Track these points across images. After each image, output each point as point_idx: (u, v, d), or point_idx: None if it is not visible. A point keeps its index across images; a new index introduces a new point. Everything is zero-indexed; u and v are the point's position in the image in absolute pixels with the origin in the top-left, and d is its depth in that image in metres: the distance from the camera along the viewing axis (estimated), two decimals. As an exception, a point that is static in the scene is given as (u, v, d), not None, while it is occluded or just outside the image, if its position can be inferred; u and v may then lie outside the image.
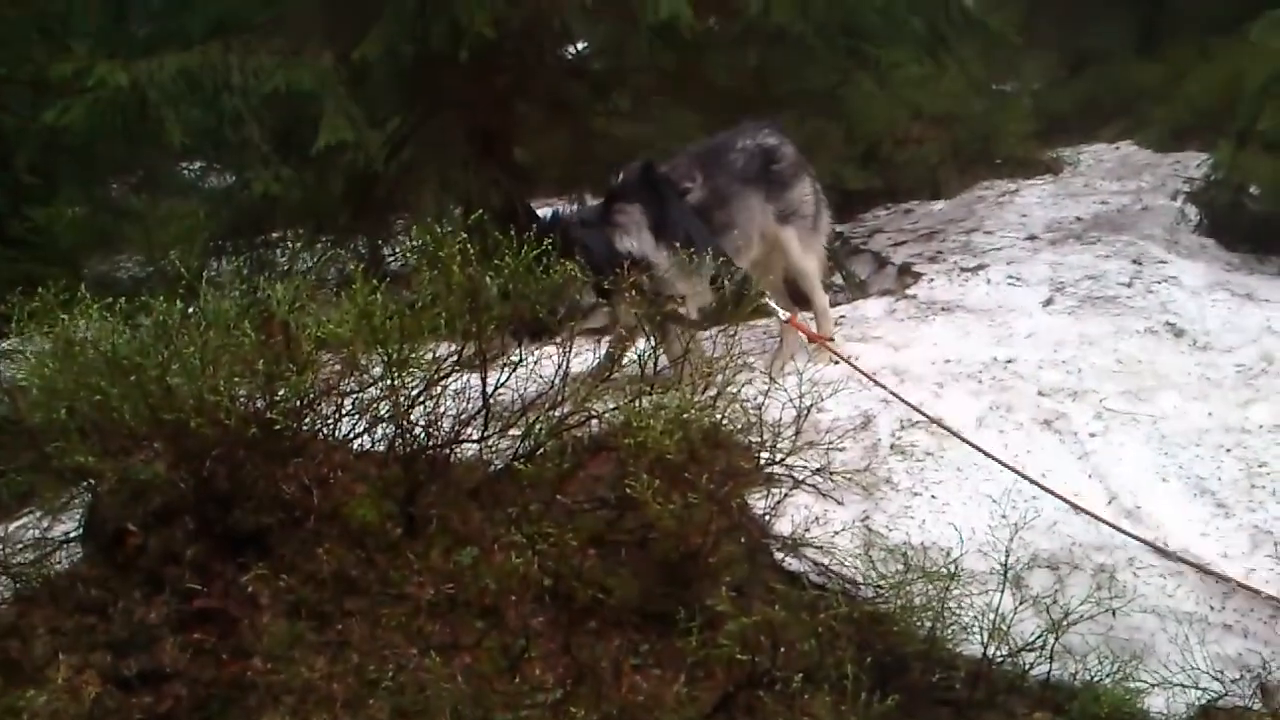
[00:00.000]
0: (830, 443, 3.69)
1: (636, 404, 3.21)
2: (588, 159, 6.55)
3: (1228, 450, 3.93)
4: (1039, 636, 3.01)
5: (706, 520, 3.02)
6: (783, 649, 2.77)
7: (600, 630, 2.97)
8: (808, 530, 3.46)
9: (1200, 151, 7.73)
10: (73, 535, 3.21)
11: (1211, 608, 3.29)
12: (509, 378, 3.31)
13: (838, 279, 6.30)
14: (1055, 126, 10.11)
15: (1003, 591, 3.02)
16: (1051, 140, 9.79)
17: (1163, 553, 3.46)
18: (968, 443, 3.84)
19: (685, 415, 3.10)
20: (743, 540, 3.40)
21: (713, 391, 3.36)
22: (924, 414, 4.01)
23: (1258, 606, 3.26)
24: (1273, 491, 3.69)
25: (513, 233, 3.16)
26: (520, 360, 3.32)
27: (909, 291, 5.92)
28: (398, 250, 6.80)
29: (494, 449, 3.35)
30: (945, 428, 3.95)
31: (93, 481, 3.08)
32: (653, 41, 5.85)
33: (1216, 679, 3.01)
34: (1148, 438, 4.01)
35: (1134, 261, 5.94)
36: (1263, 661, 3.09)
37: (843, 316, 5.33)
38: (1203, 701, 3.00)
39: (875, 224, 8.14)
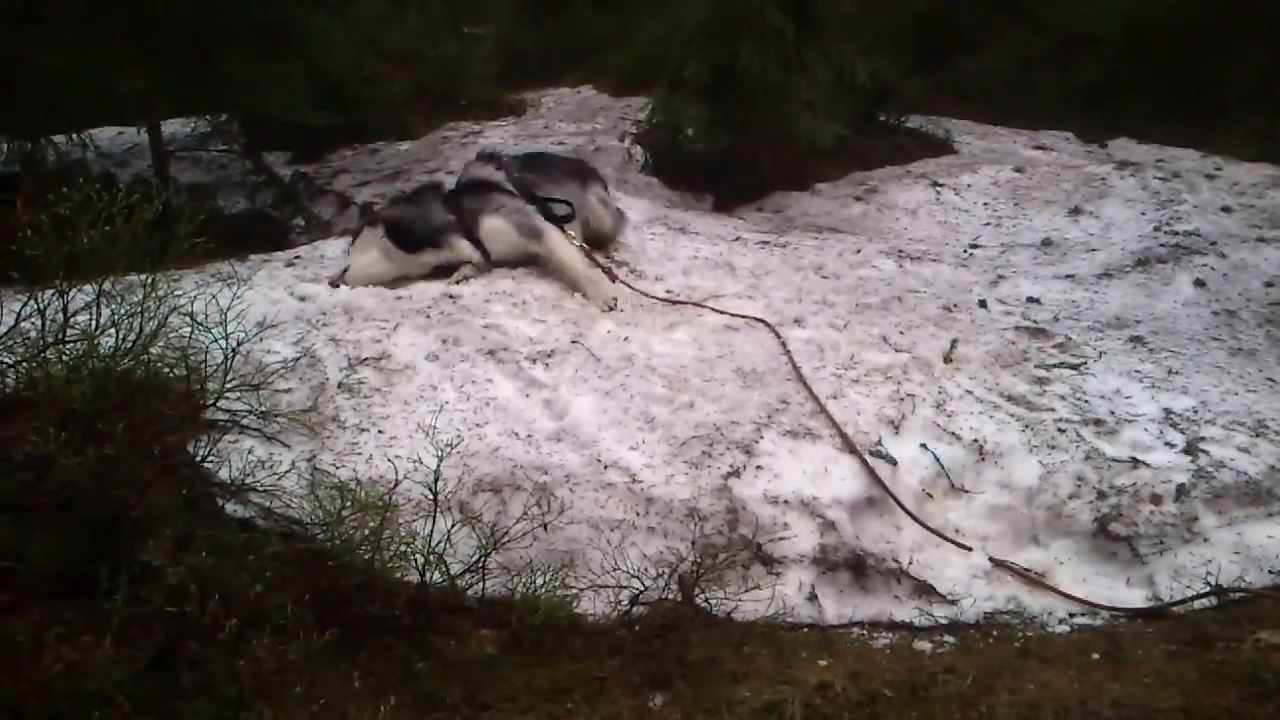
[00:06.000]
0: (273, 384, 3.61)
1: (42, 356, 2.96)
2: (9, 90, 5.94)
3: (653, 370, 4.26)
4: (477, 558, 3.14)
5: (129, 473, 2.85)
6: (218, 597, 2.68)
7: (16, 603, 2.74)
8: (253, 475, 3.37)
9: (648, 96, 8.31)
10: None
11: (638, 514, 3.54)
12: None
13: (300, 221, 6.17)
14: (521, 70, 10.49)
15: (434, 518, 3.10)
16: (517, 83, 10.14)
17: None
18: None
19: (93, 364, 2.89)
20: (184, 491, 3.25)
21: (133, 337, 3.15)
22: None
23: (676, 509, 3.57)
24: (690, 404, 4.05)
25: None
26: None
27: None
28: None
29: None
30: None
31: None
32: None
33: (636, 577, 3.26)
34: (583, 362, 4.26)
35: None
36: (679, 556, 3.37)
37: (298, 257, 5.21)
38: (627, 599, 3.27)
39: (341, 164, 8.05)
